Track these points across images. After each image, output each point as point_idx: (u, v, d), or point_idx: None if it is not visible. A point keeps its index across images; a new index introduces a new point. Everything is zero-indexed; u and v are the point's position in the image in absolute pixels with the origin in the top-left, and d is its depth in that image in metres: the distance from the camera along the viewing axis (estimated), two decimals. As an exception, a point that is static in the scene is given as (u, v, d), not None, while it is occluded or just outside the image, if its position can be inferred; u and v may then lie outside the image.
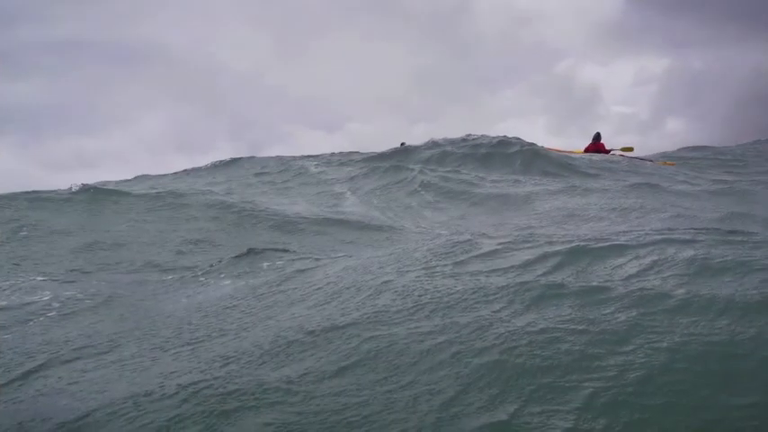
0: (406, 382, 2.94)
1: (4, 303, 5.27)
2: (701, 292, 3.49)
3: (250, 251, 6.55)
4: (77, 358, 3.83)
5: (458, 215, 10.49)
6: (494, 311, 3.59)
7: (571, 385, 2.75)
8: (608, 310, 3.41)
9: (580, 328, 3.23)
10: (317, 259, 6.01)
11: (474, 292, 3.91)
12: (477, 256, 4.86)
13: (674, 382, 2.70)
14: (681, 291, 3.55)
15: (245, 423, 2.72)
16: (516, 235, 6.29)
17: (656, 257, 4.27)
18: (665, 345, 2.97)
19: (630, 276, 3.96)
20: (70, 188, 10.89)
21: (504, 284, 3.98)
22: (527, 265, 4.43)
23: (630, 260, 4.31)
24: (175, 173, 17.92)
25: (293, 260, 6.06)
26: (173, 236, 8.53)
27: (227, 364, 3.35)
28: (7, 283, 5.97)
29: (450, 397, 2.77)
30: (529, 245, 5.06)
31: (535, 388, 2.77)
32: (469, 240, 5.46)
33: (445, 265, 4.68)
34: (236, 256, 6.47)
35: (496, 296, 3.82)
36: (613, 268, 4.19)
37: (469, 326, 3.41)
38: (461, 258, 4.85)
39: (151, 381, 3.24)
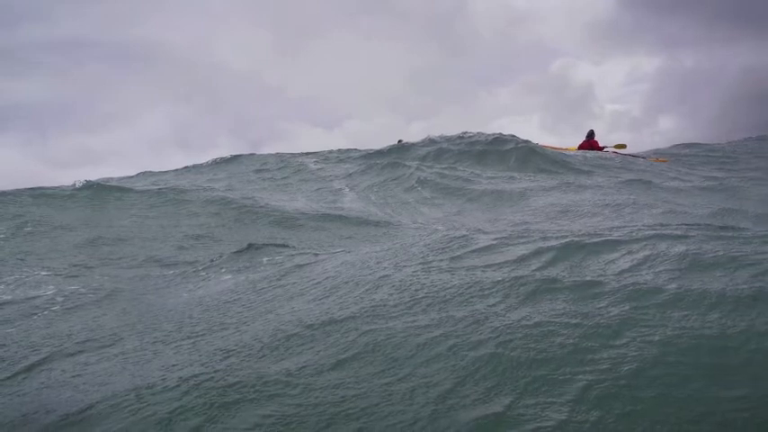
0: (403, 374, 3.00)
1: (8, 297, 5.30)
2: (693, 287, 3.55)
3: (250, 246, 6.59)
4: (81, 351, 3.87)
5: (454, 211, 10.52)
6: (489, 305, 3.65)
7: (565, 378, 2.81)
8: (601, 305, 3.47)
9: (574, 321, 3.29)
10: (315, 254, 6.05)
11: (470, 287, 3.96)
12: (472, 252, 4.91)
13: (666, 375, 2.75)
14: (673, 285, 3.61)
15: (246, 415, 2.76)
16: (511, 230, 6.34)
17: (648, 252, 4.32)
18: (657, 338, 3.03)
19: (623, 271, 4.02)
20: (74, 184, 10.89)
21: (500, 279, 4.03)
22: (522, 260, 4.48)
23: (623, 255, 4.37)
24: (177, 169, 17.87)
25: (293, 255, 6.10)
26: (174, 231, 8.55)
27: (228, 357, 3.40)
28: (12, 277, 6.01)
29: (447, 389, 2.82)
30: (523, 240, 5.11)
31: (530, 380, 2.82)
32: (465, 236, 5.51)
33: (441, 261, 4.73)
34: (236, 252, 6.51)
35: (492, 290, 3.87)
36: (606, 263, 4.24)
37: (465, 319, 3.47)
38: (457, 253, 4.90)
39: (153, 373, 3.28)
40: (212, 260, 6.41)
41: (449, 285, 4.03)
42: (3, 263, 6.76)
